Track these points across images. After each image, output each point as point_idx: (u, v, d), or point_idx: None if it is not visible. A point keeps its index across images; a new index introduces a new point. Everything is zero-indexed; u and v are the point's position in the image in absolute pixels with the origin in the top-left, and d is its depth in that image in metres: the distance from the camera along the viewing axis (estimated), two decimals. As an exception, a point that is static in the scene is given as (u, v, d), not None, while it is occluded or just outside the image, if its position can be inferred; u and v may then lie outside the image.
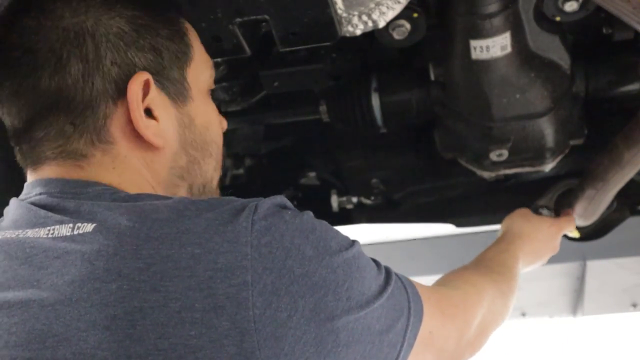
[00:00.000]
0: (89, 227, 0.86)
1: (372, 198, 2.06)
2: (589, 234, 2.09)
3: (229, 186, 2.28)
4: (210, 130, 1.07)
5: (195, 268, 0.81)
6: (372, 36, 1.51)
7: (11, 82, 0.96)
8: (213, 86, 1.11)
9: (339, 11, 1.21)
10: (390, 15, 1.26)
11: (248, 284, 0.81)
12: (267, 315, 0.81)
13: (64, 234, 0.87)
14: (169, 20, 1.02)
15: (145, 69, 0.97)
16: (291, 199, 2.11)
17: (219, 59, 1.57)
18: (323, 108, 1.87)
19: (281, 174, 2.23)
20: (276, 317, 0.81)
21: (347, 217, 2.19)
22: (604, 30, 1.66)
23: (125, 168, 0.96)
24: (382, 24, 1.27)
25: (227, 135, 2.38)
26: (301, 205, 2.08)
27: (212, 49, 1.26)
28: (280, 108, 1.97)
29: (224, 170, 2.31)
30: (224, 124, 1.15)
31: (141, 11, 0.99)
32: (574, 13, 1.44)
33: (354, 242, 0.97)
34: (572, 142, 1.77)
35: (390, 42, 1.51)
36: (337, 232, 0.96)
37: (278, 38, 1.25)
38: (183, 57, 1.02)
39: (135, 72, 0.95)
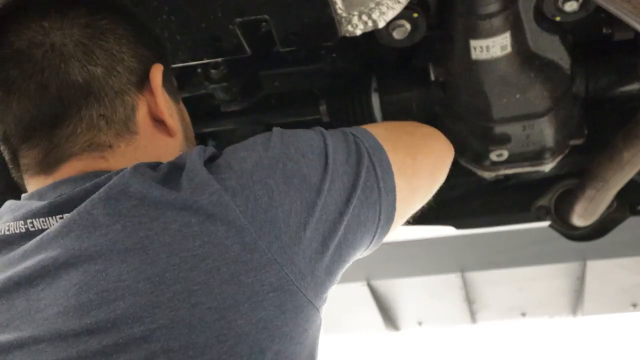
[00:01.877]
0: (96, 196, 0.90)
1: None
2: (589, 234, 2.10)
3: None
4: (190, 127, 1.13)
5: (180, 191, 0.88)
6: (372, 36, 1.51)
7: (35, 79, 0.95)
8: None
9: (339, 11, 1.21)
10: (390, 15, 1.26)
11: (221, 190, 0.88)
12: (251, 207, 0.88)
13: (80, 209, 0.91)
14: (149, 23, 1.11)
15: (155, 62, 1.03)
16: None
17: (219, 59, 1.57)
18: (323, 108, 1.87)
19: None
20: (259, 205, 0.88)
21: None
22: (604, 30, 1.66)
23: (145, 157, 0.99)
24: (382, 24, 1.27)
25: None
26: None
27: (212, 49, 1.26)
28: (280, 108, 1.97)
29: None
30: None
31: (133, 13, 1.06)
32: (574, 13, 1.44)
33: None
34: (572, 142, 1.77)
35: (390, 42, 1.51)
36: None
37: (278, 38, 1.25)
38: (164, 58, 1.08)
39: (151, 64, 1.02)
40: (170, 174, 0.92)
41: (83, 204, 0.89)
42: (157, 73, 1.01)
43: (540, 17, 1.47)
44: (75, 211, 0.89)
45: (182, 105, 1.11)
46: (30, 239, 0.91)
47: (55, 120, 0.96)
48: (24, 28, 0.96)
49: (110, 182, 0.89)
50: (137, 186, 0.88)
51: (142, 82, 1.00)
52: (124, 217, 0.86)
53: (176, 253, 0.84)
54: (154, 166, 0.94)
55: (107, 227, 0.86)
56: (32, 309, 0.85)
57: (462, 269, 2.54)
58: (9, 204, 1.00)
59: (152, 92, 1.01)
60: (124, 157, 0.98)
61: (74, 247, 0.86)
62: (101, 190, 0.89)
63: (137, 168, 0.91)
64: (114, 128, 0.97)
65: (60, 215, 0.91)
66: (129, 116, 0.98)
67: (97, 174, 0.94)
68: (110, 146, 0.97)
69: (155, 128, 1.01)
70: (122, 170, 0.92)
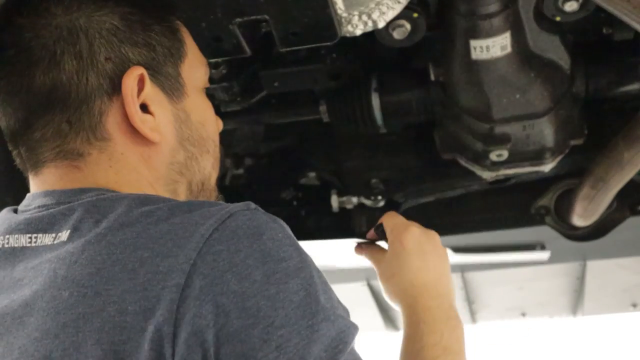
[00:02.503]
0: (64, 235, 0.86)
1: (372, 198, 2.06)
2: (589, 234, 2.09)
3: (229, 186, 2.28)
4: (206, 126, 1.06)
5: (138, 271, 0.78)
6: (372, 36, 1.51)
7: (6, 82, 0.95)
8: (208, 84, 1.11)
9: (339, 11, 1.21)
10: (390, 15, 1.26)
11: (180, 286, 0.77)
12: (187, 319, 0.76)
13: (46, 243, 0.88)
14: (161, 17, 1.02)
15: (139, 64, 0.96)
16: (291, 199, 2.13)
17: (219, 59, 1.57)
18: (323, 108, 1.87)
19: (281, 174, 2.23)
20: (194, 323, 0.76)
21: (347, 217, 2.19)
22: (604, 30, 1.66)
23: (122, 166, 0.95)
24: (382, 24, 1.27)
25: (227, 135, 2.39)
26: (301, 205, 2.09)
27: (212, 49, 1.26)
28: (280, 108, 1.97)
29: (224, 170, 2.31)
30: (220, 124, 1.13)
31: (133, 7, 0.99)
32: (573, 13, 1.44)
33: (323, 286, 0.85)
34: (572, 142, 1.77)
35: (390, 42, 1.51)
36: (308, 269, 0.85)
37: (278, 38, 1.25)
38: (177, 53, 1.02)
39: (129, 67, 0.95)
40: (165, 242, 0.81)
41: (56, 254, 0.84)
42: (129, 77, 0.94)
43: (540, 17, 1.47)
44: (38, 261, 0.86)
45: (189, 104, 1.03)
46: (9, 259, 0.90)
47: (26, 125, 0.95)
48: (7, 25, 0.95)
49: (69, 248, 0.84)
50: (105, 253, 0.81)
51: (117, 86, 0.94)
52: (76, 284, 0.80)
53: (100, 343, 0.76)
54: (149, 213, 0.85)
55: (58, 290, 0.81)
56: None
57: (462, 269, 2.54)
58: (4, 213, 0.99)
59: None
60: (97, 165, 0.94)
61: (25, 295, 0.83)
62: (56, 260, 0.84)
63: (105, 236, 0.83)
64: (81, 135, 0.94)
65: (30, 235, 0.89)
66: (97, 122, 0.94)
67: (71, 193, 0.92)
68: (81, 154, 0.94)
69: (133, 134, 0.95)
70: (89, 200, 0.88)
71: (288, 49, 1.29)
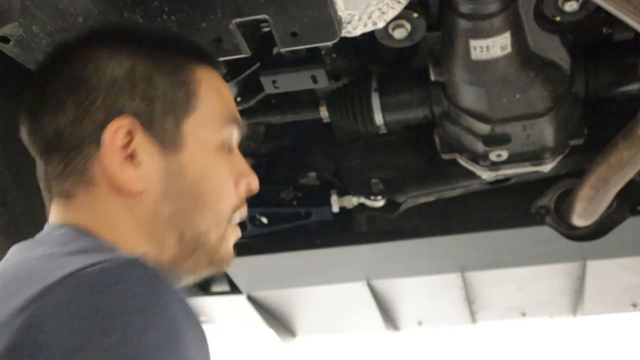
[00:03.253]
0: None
1: (372, 198, 2.06)
2: (589, 234, 2.10)
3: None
4: (206, 181, 1.04)
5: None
6: (372, 36, 1.51)
7: (27, 122, 1.03)
8: (232, 142, 1.09)
9: (339, 11, 1.21)
10: (390, 15, 1.26)
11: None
12: None
13: None
14: (173, 70, 1.04)
15: (133, 115, 0.99)
16: (291, 199, 2.13)
17: (219, 59, 1.57)
18: (323, 108, 1.87)
19: (281, 174, 2.23)
20: None
21: (347, 217, 2.20)
22: (604, 30, 1.66)
23: (103, 210, 0.98)
24: (382, 24, 1.27)
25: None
26: (301, 206, 2.10)
27: (212, 49, 1.26)
28: (280, 108, 1.97)
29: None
30: (252, 182, 1.11)
31: (143, 59, 1.02)
32: (573, 13, 1.44)
33: None
34: (572, 142, 1.77)
35: (390, 42, 1.51)
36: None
37: (278, 38, 1.25)
38: (181, 107, 1.03)
39: (121, 116, 0.98)
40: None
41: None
42: (111, 128, 0.97)
43: (540, 17, 1.47)
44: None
45: (186, 157, 1.02)
46: None
47: (41, 161, 1.02)
48: (36, 72, 1.06)
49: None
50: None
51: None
52: None
53: None
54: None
55: None
56: None
57: (462, 269, 2.54)
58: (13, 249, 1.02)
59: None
60: (82, 207, 0.98)
61: None
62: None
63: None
64: (72, 177, 0.99)
65: None
66: (85, 167, 0.98)
67: (51, 227, 0.98)
68: (72, 195, 0.99)
69: (116, 182, 0.98)
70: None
71: (288, 49, 1.29)
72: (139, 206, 0.99)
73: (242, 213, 1.11)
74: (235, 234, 1.09)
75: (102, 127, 0.97)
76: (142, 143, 0.98)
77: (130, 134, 0.98)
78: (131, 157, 0.98)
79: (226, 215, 1.06)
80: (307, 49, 1.63)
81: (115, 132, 0.97)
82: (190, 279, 1.08)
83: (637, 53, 1.66)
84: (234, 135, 1.10)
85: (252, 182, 1.12)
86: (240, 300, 2.64)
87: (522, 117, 1.64)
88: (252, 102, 1.81)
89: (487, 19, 1.38)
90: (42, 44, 1.22)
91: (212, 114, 1.06)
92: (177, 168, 1.02)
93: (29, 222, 1.54)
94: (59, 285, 0.78)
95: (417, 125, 1.91)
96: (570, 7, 1.42)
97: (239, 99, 1.79)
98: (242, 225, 2.21)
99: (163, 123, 1.01)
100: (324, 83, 1.69)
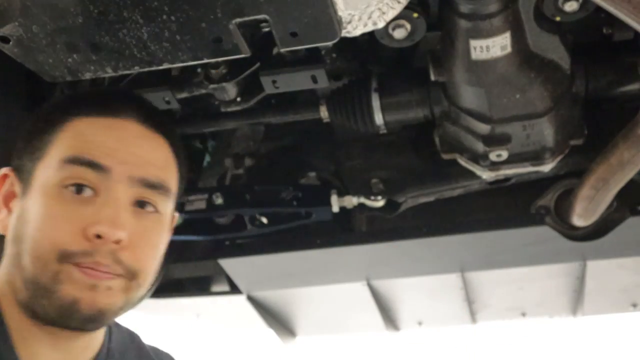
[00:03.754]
0: None
1: (372, 198, 2.06)
2: (589, 234, 2.09)
3: (230, 186, 2.28)
4: (29, 225, 1.02)
5: None
6: (372, 36, 1.51)
7: None
8: (69, 186, 1.03)
9: (339, 11, 1.21)
10: (390, 15, 1.26)
11: None
12: None
13: None
14: (50, 116, 1.08)
15: (13, 164, 1.06)
16: (291, 199, 2.13)
17: (219, 59, 1.57)
18: (323, 108, 1.87)
19: (281, 174, 2.23)
20: None
21: (347, 217, 2.20)
22: (604, 30, 1.66)
23: None
24: (382, 24, 1.27)
25: (227, 135, 2.39)
26: (301, 206, 2.09)
27: (212, 49, 1.26)
28: (280, 108, 1.97)
29: (224, 170, 2.31)
30: (101, 231, 1.01)
31: (42, 109, 1.10)
32: (573, 13, 1.44)
33: None
34: (572, 142, 1.77)
35: (390, 42, 1.51)
36: None
37: (278, 38, 1.24)
38: (37, 152, 1.06)
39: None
40: None
41: None
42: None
43: (540, 17, 1.47)
44: None
45: (30, 202, 1.03)
46: None
47: None
48: None
49: None
50: None
51: None
52: None
53: None
54: None
55: None
56: None
57: (462, 269, 2.54)
58: None
59: None
60: None
61: None
62: None
63: None
64: None
65: None
66: None
67: None
68: None
69: None
70: None
71: (288, 49, 1.29)
72: (5, 248, 1.02)
73: (87, 262, 1.00)
74: (77, 281, 1.00)
75: None
76: (12, 190, 1.06)
77: (11, 183, 1.06)
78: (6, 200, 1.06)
79: (49, 258, 1.00)
80: (307, 49, 1.63)
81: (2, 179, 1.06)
82: (48, 324, 1.03)
83: (637, 53, 1.66)
84: (87, 176, 1.03)
85: (102, 231, 1.01)
86: (240, 300, 2.64)
87: (522, 117, 1.64)
88: (252, 102, 1.81)
89: (487, 19, 1.38)
90: (42, 44, 1.22)
91: (59, 157, 1.04)
92: (21, 212, 1.04)
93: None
94: None
95: (417, 125, 1.91)
96: (570, 7, 1.42)
97: (239, 99, 1.79)
98: (242, 225, 2.22)
99: (26, 168, 1.06)
100: (324, 83, 1.69)
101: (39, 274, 1.00)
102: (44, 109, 1.10)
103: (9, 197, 1.04)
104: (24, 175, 1.05)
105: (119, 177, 1.03)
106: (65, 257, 1.00)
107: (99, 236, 1.00)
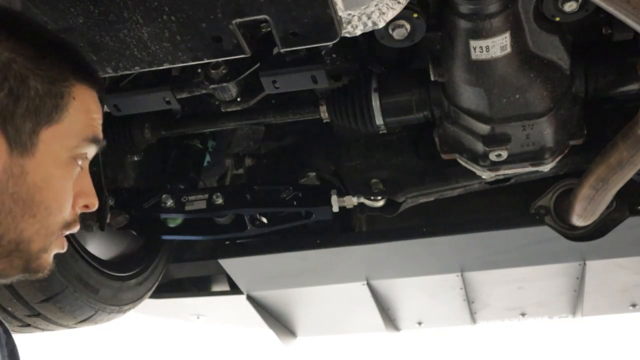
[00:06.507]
0: None
1: (372, 198, 2.06)
2: (589, 234, 2.10)
3: (230, 186, 2.28)
4: (44, 192, 1.03)
5: None
6: (372, 36, 1.52)
7: None
8: (79, 160, 1.07)
9: (339, 11, 1.21)
10: (390, 15, 1.26)
11: None
12: None
13: None
14: (50, 79, 1.04)
15: None
16: (291, 199, 2.13)
17: (219, 59, 1.57)
18: (323, 108, 1.88)
19: (281, 174, 2.23)
20: None
21: (347, 217, 2.20)
22: (604, 31, 1.66)
23: None
24: (381, 25, 1.27)
25: (227, 135, 2.39)
26: (301, 206, 2.10)
27: (212, 49, 1.26)
28: (280, 108, 1.97)
29: (224, 170, 2.31)
30: (90, 203, 1.10)
31: (25, 58, 1.01)
32: (573, 13, 1.44)
33: None
34: (572, 142, 1.77)
35: (390, 42, 1.51)
36: None
37: (278, 38, 1.25)
38: (43, 115, 1.03)
39: None
40: None
41: None
42: None
43: (540, 18, 1.47)
44: None
45: (32, 164, 1.03)
46: None
47: None
48: None
49: None
50: None
51: None
52: None
53: None
54: None
55: None
56: None
57: (462, 269, 2.54)
58: None
59: None
60: None
61: None
62: None
63: None
64: None
65: None
66: None
67: None
68: None
69: None
70: None
71: (288, 49, 1.29)
72: None
73: (73, 230, 1.09)
74: (59, 248, 1.08)
75: None
76: None
77: None
78: None
79: (55, 230, 1.05)
80: (307, 49, 1.64)
81: None
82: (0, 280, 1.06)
83: (637, 53, 1.66)
84: (89, 154, 1.09)
85: (91, 203, 1.10)
86: (240, 300, 2.64)
87: (522, 117, 1.64)
88: (252, 102, 1.81)
89: (487, 19, 1.38)
90: (42, 44, 1.22)
91: (74, 131, 1.06)
92: (19, 171, 1.02)
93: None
94: None
95: (417, 125, 1.91)
96: (570, 7, 1.43)
97: (239, 99, 1.80)
98: (242, 225, 2.22)
99: (21, 125, 1.01)
100: (324, 83, 1.69)
101: (36, 242, 1.04)
102: (49, 67, 1.04)
103: None
104: (13, 129, 1.01)
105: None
106: (63, 227, 1.06)
107: (86, 207, 1.08)
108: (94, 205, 1.10)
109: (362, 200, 2.07)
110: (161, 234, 2.14)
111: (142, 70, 1.35)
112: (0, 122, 0.99)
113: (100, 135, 1.10)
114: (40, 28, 1.08)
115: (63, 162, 1.05)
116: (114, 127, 2.00)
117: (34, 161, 1.02)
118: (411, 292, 2.82)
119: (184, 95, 1.77)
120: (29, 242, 1.03)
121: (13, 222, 1.01)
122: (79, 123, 1.06)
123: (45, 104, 1.03)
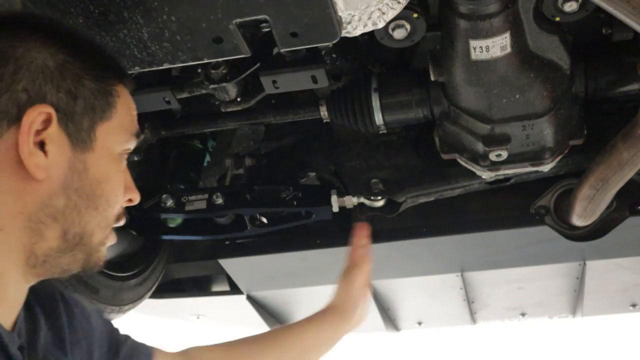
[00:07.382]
0: None
1: (372, 198, 2.06)
2: (589, 234, 2.10)
3: (230, 186, 2.28)
4: (104, 186, 1.09)
5: None
6: (372, 36, 1.52)
7: None
8: (125, 154, 1.14)
9: (339, 11, 1.21)
10: (390, 15, 1.26)
11: None
12: None
13: None
14: (100, 78, 1.09)
15: (54, 105, 1.02)
16: (291, 199, 2.13)
17: (219, 59, 1.57)
18: (323, 108, 1.87)
19: (281, 174, 2.23)
20: None
21: (347, 217, 2.19)
22: (604, 31, 1.66)
23: None
24: (381, 25, 1.27)
25: (227, 135, 2.39)
26: (301, 206, 2.10)
27: (212, 49, 1.26)
28: (280, 108, 1.97)
29: (224, 170, 2.31)
30: (134, 197, 1.17)
31: (75, 59, 1.05)
32: (573, 13, 1.44)
33: None
34: (572, 142, 1.77)
35: (390, 42, 1.51)
36: None
37: (278, 38, 1.25)
38: (99, 112, 1.08)
39: (38, 103, 1.01)
40: None
41: None
42: (33, 112, 1.00)
43: (540, 17, 1.47)
44: None
45: (93, 159, 1.08)
46: None
47: None
48: None
49: None
50: None
51: (21, 117, 1.00)
52: None
53: None
54: None
55: None
56: None
57: (462, 269, 2.54)
58: None
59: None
60: None
61: None
62: None
63: None
64: None
65: None
66: None
67: None
68: None
69: (17, 164, 1.00)
70: None
71: (288, 49, 1.29)
72: (31, 193, 1.02)
73: (121, 223, 1.15)
74: (112, 240, 1.14)
75: (19, 107, 1.00)
76: (55, 134, 1.03)
77: (46, 122, 1.01)
78: (41, 144, 1.02)
79: (111, 221, 1.12)
80: (307, 49, 1.63)
81: (37, 116, 1.00)
82: (59, 275, 1.10)
83: (637, 53, 1.66)
84: (128, 145, 1.15)
85: (134, 196, 1.18)
86: (240, 300, 2.64)
87: (522, 117, 1.64)
88: (252, 102, 1.81)
89: (487, 19, 1.38)
90: (42, 44, 1.22)
91: (123, 126, 1.13)
92: (82, 167, 1.06)
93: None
94: None
95: (417, 125, 1.91)
96: (570, 7, 1.43)
97: (239, 99, 1.79)
98: (242, 225, 2.22)
99: (80, 122, 1.06)
100: (324, 83, 1.69)
101: (97, 234, 1.10)
102: (97, 66, 1.08)
103: (47, 140, 1.02)
104: (74, 126, 1.05)
105: None
106: (116, 220, 1.13)
107: (130, 200, 1.16)
108: (137, 199, 1.17)
109: (362, 200, 2.07)
110: (161, 234, 2.14)
111: (142, 71, 1.35)
112: (62, 121, 1.03)
113: (139, 131, 1.16)
114: (73, 31, 1.12)
115: (116, 156, 1.11)
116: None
117: (94, 156, 1.07)
118: (411, 292, 2.82)
119: (184, 95, 1.77)
120: (91, 235, 1.09)
121: (78, 216, 1.06)
122: (125, 119, 1.13)
123: (99, 102, 1.08)
